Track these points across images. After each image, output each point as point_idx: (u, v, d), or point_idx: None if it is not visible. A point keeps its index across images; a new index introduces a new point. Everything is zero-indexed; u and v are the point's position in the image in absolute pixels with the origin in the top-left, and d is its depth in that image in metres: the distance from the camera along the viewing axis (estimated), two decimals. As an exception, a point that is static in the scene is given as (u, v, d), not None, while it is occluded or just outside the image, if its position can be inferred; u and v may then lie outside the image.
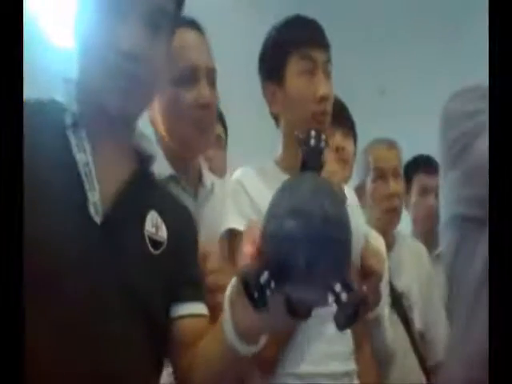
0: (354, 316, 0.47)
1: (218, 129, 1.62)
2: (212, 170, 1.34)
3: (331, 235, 0.47)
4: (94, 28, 0.74)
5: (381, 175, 1.66)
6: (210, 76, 1.12)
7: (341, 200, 0.52)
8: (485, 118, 0.83)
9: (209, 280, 0.89)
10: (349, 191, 1.27)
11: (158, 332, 0.76)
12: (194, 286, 0.82)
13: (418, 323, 1.54)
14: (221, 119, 1.66)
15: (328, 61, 1.17)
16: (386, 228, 1.63)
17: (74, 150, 0.72)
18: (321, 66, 1.15)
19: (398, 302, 1.51)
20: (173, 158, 1.12)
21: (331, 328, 1.08)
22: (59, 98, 0.77)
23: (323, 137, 0.55)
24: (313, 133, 0.55)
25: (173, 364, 0.79)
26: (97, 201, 0.71)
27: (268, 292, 0.47)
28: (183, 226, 0.85)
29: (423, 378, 1.49)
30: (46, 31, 2.94)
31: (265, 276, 0.47)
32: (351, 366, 1.12)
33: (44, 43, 2.85)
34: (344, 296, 0.47)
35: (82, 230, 0.69)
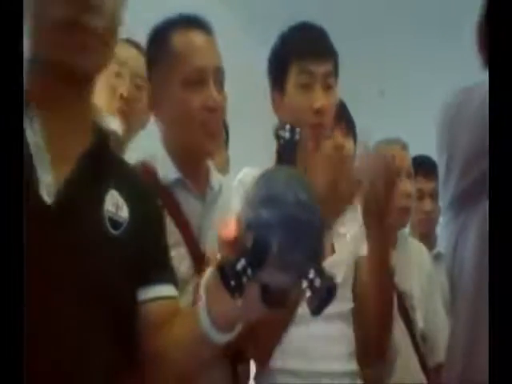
0: (326, 301, 0.48)
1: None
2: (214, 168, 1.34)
3: (304, 222, 0.49)
4: None
5: (397, 173, 1.67)
6: (218, 76, 1.11)
7: (313, 189, 0.53)
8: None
9: None
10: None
11: (124, 317, 0.73)
12: (161, 268, 0.80)
13: (419, 323, 1.54)
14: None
15: (329, 73, 1.18)
16: (395, 227, 1.64)
17: (26, 129, 0.68)
18: (320, 79, 1.16)
19: (400, 301, 1.51)
20: (181, 161, 1.11)
21: (333, 328, 1.11)
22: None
23: (297, 130, 0.56)
24: (287, 126, 0.56)
25: (142, 349, 0.75)
26: (49, 182, 0.67)
27: (244, 279, 0.48)
28: (148, 207, 0.81)
29: (424, 378, 1.49)
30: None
31: (241, 263, 0.48)
32: (352, 366, 1.13)
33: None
34: (318, 282, 0.48)
35: (37, 212, 0.65)
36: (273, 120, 1.30)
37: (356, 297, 1.19)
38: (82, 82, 0.74)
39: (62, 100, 0.72)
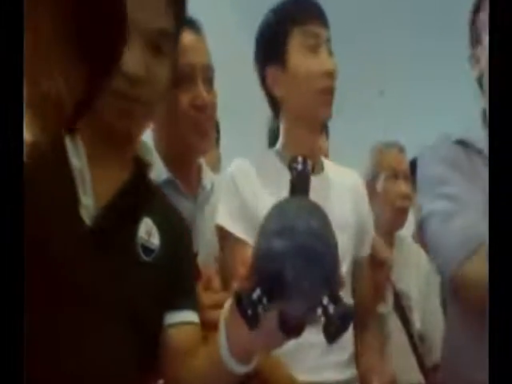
0: (342, 328, 0.49)
1: None
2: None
3: (317, 250, 0.50)
4: None
5: (394, 175, 1.68)
6: (207, 74, 1.10)
7: (326, 217, 0.54)
8: None
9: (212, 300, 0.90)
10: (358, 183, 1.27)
11: (150, 340, 0.76)
12: (186, 295, 0.83)
13: (417, 324, 1.55)
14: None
15: (329, 39, 1.14)
16: (393, 228, 1.66)
17: (70, 154, 0.72)
18: (324, 43, 1.13)
19: (397, 301, 1.51)
20: (172, 161, 1.10)
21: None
22: None
23: (309, 162, 0.58)
24: (299, 158, 0.58)
25: (163, 373, 0.80)
26: (89, 205, 0.71)
27: (260, 308, 0.49)
28: (178, 234, 0.85)
29: (422, 378, 1.50)
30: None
31: (257, 293, 0.49)
32: (347, 374, 1.08)
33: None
34: (331, 308, 0.48)
35: (75, 233, 0.69)
36: (264, 114, 1.27)
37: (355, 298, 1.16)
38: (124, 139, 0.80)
39: (106, 134, 0.77)
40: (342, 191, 1.18)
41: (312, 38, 1.12)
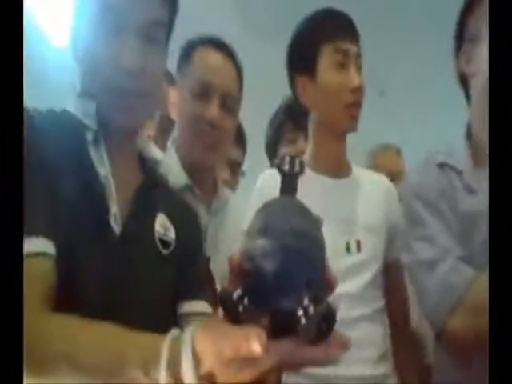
0: (324, 329, 0.48)
1: (237, 154, 1.65)
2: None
3: (298, 250, 0.48)
4: (91, 46, 0.75)
5: (391, 178, 1.70)
6: (226, 99, 1.15)
7: (314, 218, 0.53)
8: None
9: None
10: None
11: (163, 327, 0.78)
12: (198, 285, 0.85)
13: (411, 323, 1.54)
14: (242, 144, 1.67)
15: (359, 53, 1.18)
16: None
17: (96, 164, 0.74)
18: (353, 59, 1.16)
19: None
20: (189, 167, 1.16)
21: (355, 332, 1.06)
22: (71, 109, 0.78)
23: (297, 161, 0.57)
24: (287, 158, 0.57)
25: None
26: (116, 212, 0.73)
27: (241, 308, 0.48)
28: (190, 227, 0.88)
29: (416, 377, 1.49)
30: (46, 31, 2.94)
31: (237, 293, 0.48)
32: (379, 370, 1.10)
33: (44, 43, 2.85)
34: (311, 309, 0.47)
35: (104, 241, 0.71)
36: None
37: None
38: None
39: (120, 138, 0.79)
40: (372, 194, 1.22)
41: (341, 55, 1.16)
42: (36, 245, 0.62)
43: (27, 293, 0.56)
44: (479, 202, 0.89)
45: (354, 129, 1.19)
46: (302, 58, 1.20)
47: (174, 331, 0.52)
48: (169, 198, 0.87)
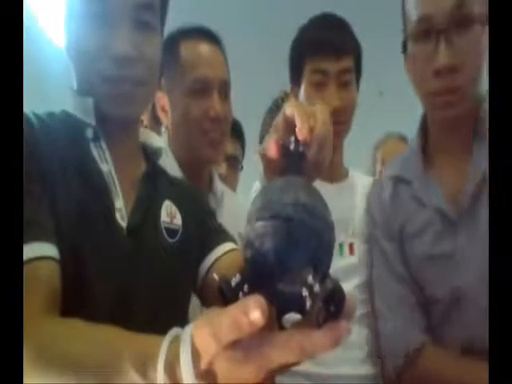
0: (332, 308, 0.42)
1: (236, 149, 1.65)
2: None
3: (302, 223, 0.44)
4: (82, 39, 0.74)
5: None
6: (223, 89, 1.12)
7: (320, 195, 0.49)
8: None
9: None
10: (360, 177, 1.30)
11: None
12: (221, 232, 0.87)
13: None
14: (240, 140, 1.66)
15: (346, 69, 1.14)
16: None
17: (98, 161, 0.74)
18: (334, 78, 1.13)
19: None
20: (184, 164, 1.14)
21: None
22: (70, 109, 0.77)
23: (301, 143, 0.56)
24: (292, 138, 0.56)
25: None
26: (121, 207, 0.73)
27: (241, 295, 0.44)
28: (196, 207, 0.88)
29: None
30: (46, 31, 2.94)
31: (236, 279, 0.45)
32: (366, 370, 1.11)
33: (44, 43, 2.84)
34: (317, 287, 0.41)
35: (112, 238, 0.71)
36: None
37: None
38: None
39: (118, 131, 0.78)
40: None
41: (320, 75, 1.13)
42: (37, 249, 0.61)
43: (29, 298, 0.56)
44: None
45: (336, 146, 1.17)
46: (291, 70, 1.21)
47: (174, 331, 0.49)
48: (171, 182, 0.88)
